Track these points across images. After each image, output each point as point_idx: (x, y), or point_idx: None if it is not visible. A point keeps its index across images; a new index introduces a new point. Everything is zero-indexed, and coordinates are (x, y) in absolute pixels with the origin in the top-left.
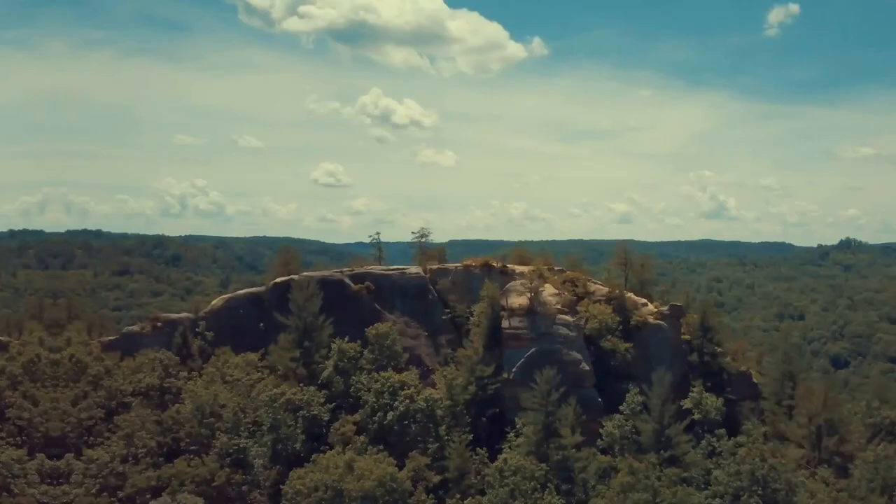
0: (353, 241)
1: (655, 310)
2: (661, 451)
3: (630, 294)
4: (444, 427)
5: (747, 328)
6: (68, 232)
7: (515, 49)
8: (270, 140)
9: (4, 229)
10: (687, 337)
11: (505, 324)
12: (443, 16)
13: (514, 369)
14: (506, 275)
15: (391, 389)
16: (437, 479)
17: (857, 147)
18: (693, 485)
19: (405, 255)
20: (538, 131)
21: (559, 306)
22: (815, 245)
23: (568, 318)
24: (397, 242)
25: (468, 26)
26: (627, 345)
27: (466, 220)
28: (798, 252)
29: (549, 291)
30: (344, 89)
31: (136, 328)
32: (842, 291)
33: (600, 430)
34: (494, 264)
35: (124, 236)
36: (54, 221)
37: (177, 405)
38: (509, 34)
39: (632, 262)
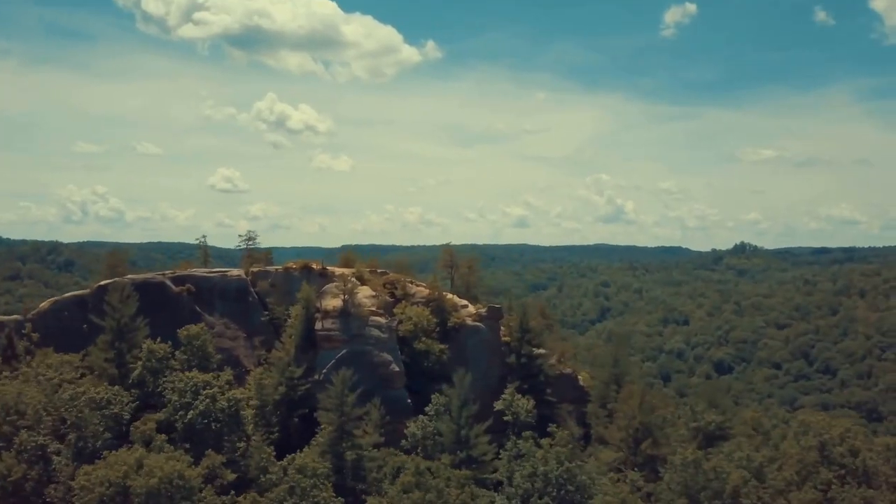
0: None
1: (475, 312)
2: (458, 452)
3: (452, 296)
4: (251, 427)
5: (630, 333)
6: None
7: (410, 53)
8: (168, 146)
9: None
10: (508, 339)
11: (318, 325)
12: (337, 20)
13: (324, 370)
14: (325, 277)
15: (193, 389)
16: (232, 476)
17: (758, 150)
18: (489, 486)
19: (302, 258)
20: (433, 135)
21: (374, 308)
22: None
23: (381, 319)
24: (293, 248)
25: (362, 30)
26: (443, 346)
27: (362, 225)
28: (692, 256)
29: (364, 293)
30: (240, 95)
31: None
32: (729, 296)
33: (406, 431)
34: (314, 267)
35: (23, 242)
36: None
37: None
38: (403, 38)
39: (458, 264)
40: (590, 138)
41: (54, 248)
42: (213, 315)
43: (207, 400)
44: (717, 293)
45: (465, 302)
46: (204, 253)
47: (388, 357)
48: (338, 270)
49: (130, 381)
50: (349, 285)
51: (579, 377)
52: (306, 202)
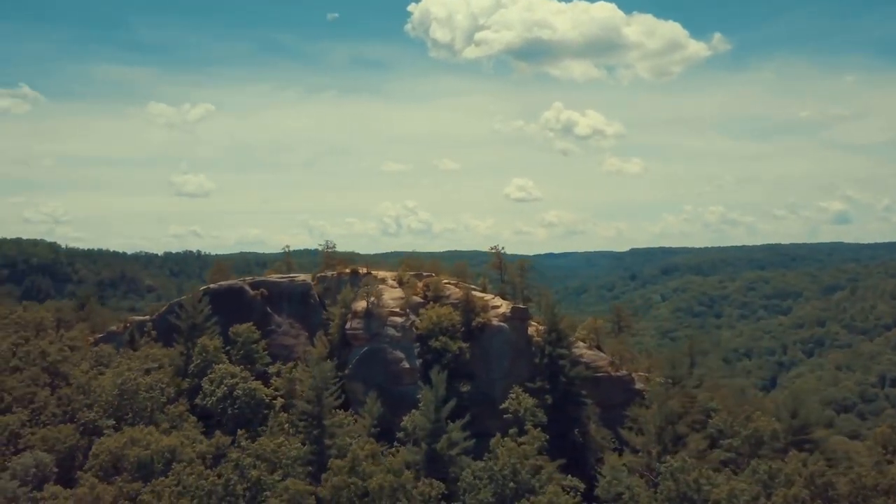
0: (543, 251)
1: (501, 312)
2: (421, 444)
3: (493, 297)
4: (283, 415)
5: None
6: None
7: (696, 48)
8: (465, 161)
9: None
10: (539, 339)
11: (348, 325)
12: (617, 22)
13: (349, 366)
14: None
15: (219, 379)
16: (236, 455)
17: None
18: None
19: (592, 263)
20: (728, 130)
21: (396, 308)
22: None
23: (398, 319)
24: (587, 252)
25: (644, 30)
26: (463, 344)
27: (660, 228)
28: None
29: (391, 295)
30: (526, 107)
31: (114, 328)
32: None
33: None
34: (360, 271)
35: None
36: (303, 242)
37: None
38: (688, 33)
39: (507, 267)
40: None
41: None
42: (281, 315)
43: (225, 388)
44: None
45: (499, 303)
46: (287, 261)
47: (401, 354)
48: (381, 274)
49: (188, 371)
50: (371, 287)
51: (648, 380)
52: (599, 207)
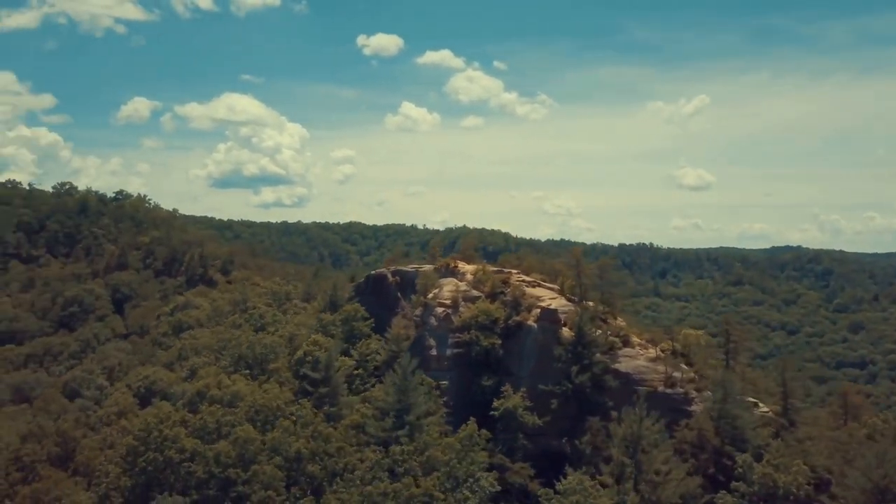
0: None
1: (537, 313)
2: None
3: (552, 296)
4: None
5: None
6: (773, 248)
7: None
8: None
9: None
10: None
11: (415, 312)
12: None
13: (406, 349)
14: (453, 273)
15: (306, 346)
16: (298, 411)
17: None
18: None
19: None
20: None
21: (446, 301)
22: None
23: (440, 310)
24: None
25: None
26: (496, 340)
27: None
28: None
29: (448, 287)
30: None
31: None
32: None
33: None
34: (449, 264)
35: (847, 254)
36: (811, 239)
37: None
38: None
39: (583, 268)
40: None
41: (815, 256)
42: (407, 300)
43: (302, 353)
44: None
45: (551, 302)
46: (432, 252)
47: (433, 342)
48: (464, 268)
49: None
50: (426, 281)
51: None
52: None
